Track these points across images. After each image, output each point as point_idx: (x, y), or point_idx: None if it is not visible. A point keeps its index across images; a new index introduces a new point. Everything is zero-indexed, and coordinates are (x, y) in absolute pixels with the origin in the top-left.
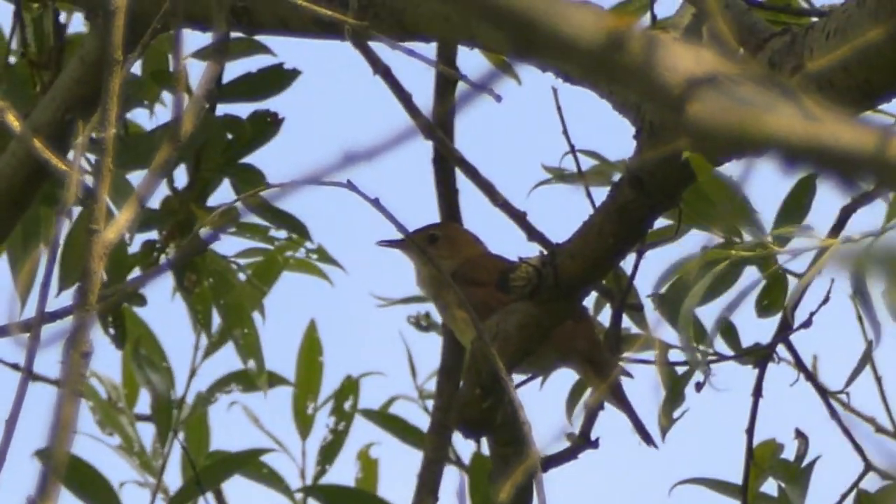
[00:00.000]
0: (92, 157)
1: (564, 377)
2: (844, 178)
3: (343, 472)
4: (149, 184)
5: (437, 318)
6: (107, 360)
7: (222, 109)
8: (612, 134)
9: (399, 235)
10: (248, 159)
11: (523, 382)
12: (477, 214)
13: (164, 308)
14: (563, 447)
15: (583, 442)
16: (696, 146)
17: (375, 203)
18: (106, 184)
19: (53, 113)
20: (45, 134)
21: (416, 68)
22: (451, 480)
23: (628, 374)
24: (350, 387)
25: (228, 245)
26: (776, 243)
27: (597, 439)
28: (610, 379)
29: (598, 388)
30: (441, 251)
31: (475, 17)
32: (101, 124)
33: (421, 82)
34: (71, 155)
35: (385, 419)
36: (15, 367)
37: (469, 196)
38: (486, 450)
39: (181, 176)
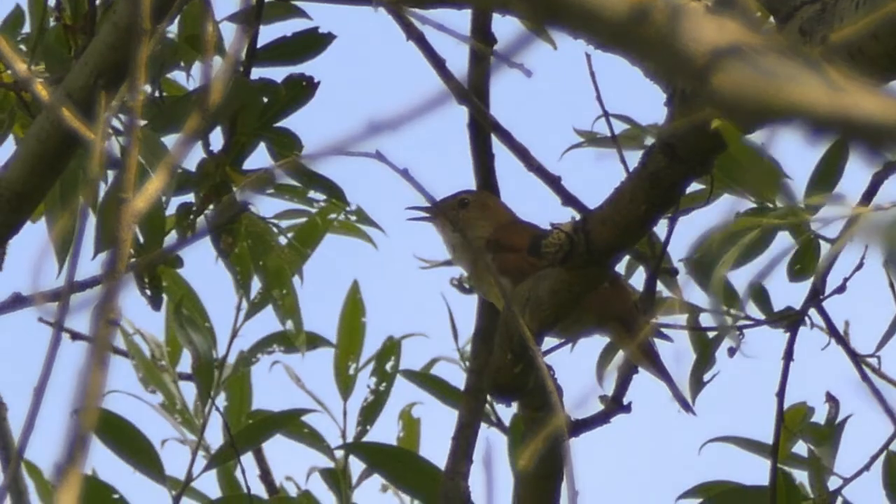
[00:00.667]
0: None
1: (596, 342)
2: (870, 148)
3: (384, 433)
4: (179, 151)
5: None
6: (152, 318)
7: (258, 73)
8: (646, 100)
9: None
10: (283, 123)
11: (556, 347)
12: (512, 179)
13: (207, 270)
14: (594, 411)
15: (615, 406)
16: (722, 116)
17: (404, 173)
18: (135, 152)
19: (86, 78)
20: (79, 98)
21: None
22: (494, 443)
23: (666, 338)
24: (391, 348)
25: (267, 206)
26: (807, 211)
27: (629, 404)
28: (642, 340)
29: (633, 351)
30: (472, 215)
31: None
32: (131, 93)
33: (457, 47)
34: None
35: (426, 380)
36: (54, 325)
37: (504, 161)
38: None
39: (217, 139)
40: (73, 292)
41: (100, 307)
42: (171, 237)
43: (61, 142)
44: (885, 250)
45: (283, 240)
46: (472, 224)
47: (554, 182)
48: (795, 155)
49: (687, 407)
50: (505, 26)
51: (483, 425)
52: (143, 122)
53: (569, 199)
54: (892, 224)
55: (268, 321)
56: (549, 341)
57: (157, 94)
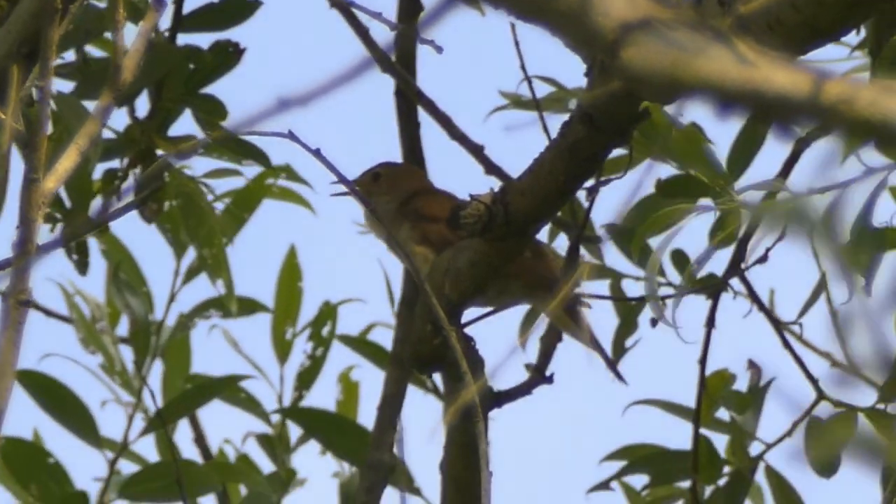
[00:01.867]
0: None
1: (522, 310)
2: (780, 123)
3: (320, 399)
4: (90, 131)
5: None
6: (93, 280)
7: (184, 39)
8: (576, 68)
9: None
10: (209, 89)
11: (478, 318)
12: (438, 148)
13: (146, 232)
14: (517, 382)
15: (538, 377)
16: (632, 90)
17: (316, 153)
18: (44, 134)
19: (9, 47)
20: (3, 68)
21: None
22: (430, 409)
23: (585, 304)
24: (328, 312)
25: (196, 165)
26: (725, 193)
27: (551, 375)
28: (567, 305)
29: (560, 318)
30: (382, 188)
31: None
32: (42, 72)
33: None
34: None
35: (362, 345)
36: None
37: (431, 130)
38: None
39: (143, 105)
40: None
41: (10, 288)
42: (97, 202)
43: None
44: (796, 231)
45: (219, 205)
46: (381, 197)
47: (477, 151)
48: (718, 125)
49: (617, 375)
50: None
51: (420, 392)
52: (69, 88)
53: (492, 168)
54: (800, 206)
55: (207, 287)
56: (471, 312)
57: (82, 60)
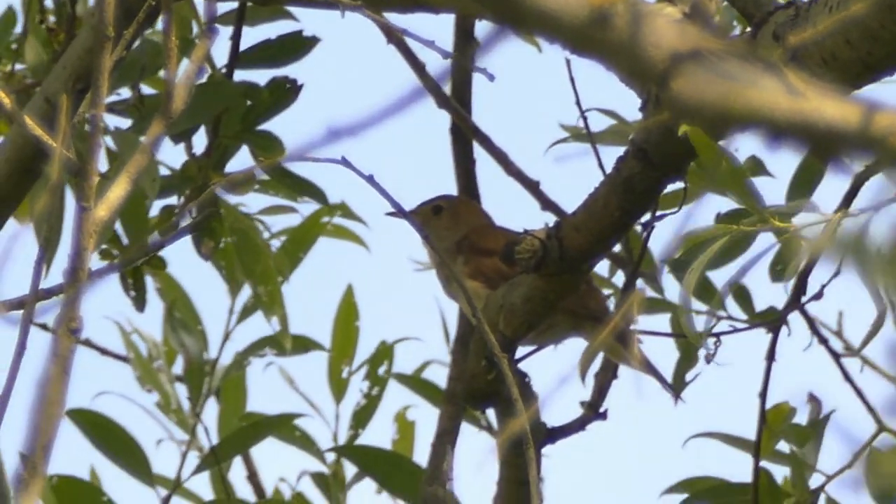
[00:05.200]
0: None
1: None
2: (830, 154)
3: (375, 438)
4: (141, 161)
5: None
6: (151, 318)
7: (241, 76)
8: (631, 104)
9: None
10: (266, 126)
11: (529, 354)
12: (494, 184)
13: (202, 272)
14: (572, 417)
15: (592, 413)
16: (684, 121)
17: (370, 180)
18: (96, 161)
19: (64, 82)
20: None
21: (433, 33)
22: (484, 446)
23: (638, 338)
24: (384, 352)
25: (251, 202)
26: (780, 217)
27: (605, 411)
28: (610, 331)
29: (612, 347)
30: (444, 222)
31: None
32: (94, 102)
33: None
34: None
35: (418, 384)
36: (43, 326)
37: (487, 165)
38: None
39: (200, 142)
40: (38, 300)
41: (61, 317)
42: (154, 237)
43: (35, 147)
44: (854, 262)
45: (275, 243)
46: (442, 232)
47: (533, 187)
48: (779, 157)
49: (675, 394)
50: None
51: (475, 429)
52: (127, 124)
53: (547, 204)
54: (858, 236)
55: (261, 325)
56: (525, 348)
57: (138, 95)
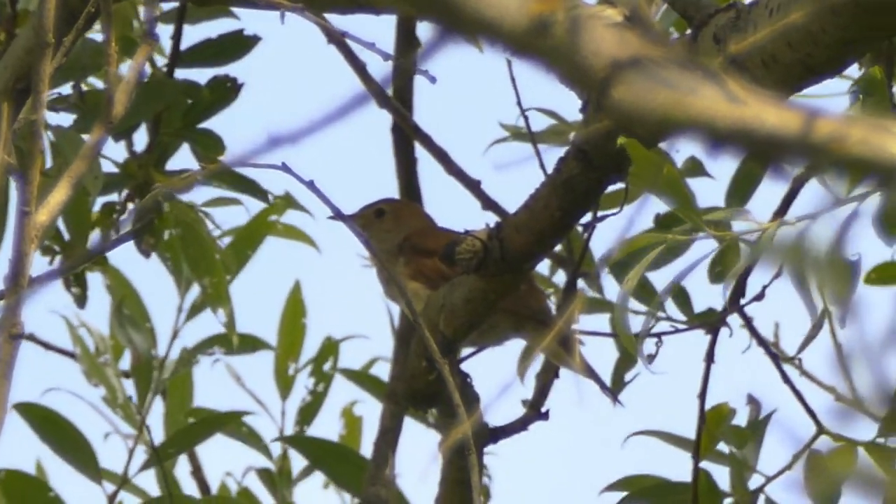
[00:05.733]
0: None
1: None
2: (771, 161)
3: (322, 434)
4: (81, 166)
5: None
6: (98, 312)
7: (182, 74)
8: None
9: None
10: (207, 124)
11: (472, 354)
12: (436, 183)
13: (150, 267)
14: (513, 417)
15: (533, 413)
16: (625, 128)
17: (310, 186)
18: (37, 167)
19: (5, 82)
20: None
21: (374, 34)
22: (431, 444)
23: (580, 339)
24: (330, 348)
25: (196, 195)
26: (716, 227)
27: (547, 411)
28: (560, 335)
29: (553, 349)
30: (386, 225)
31: None
32: (34, 107)
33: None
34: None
35: (365, 380)
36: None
37: (428, 165)
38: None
39: (141, 139)
40: None
41: (2, 322)
42: (96, 234)
43: None
44: (790, 268)
45: (223, 242)
46: (383, 235)
47: (474, 186)
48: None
49: (613, 398)
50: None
51: (422, 426)
52: (69, 122)
53: (489, 204)
54: (795, 243)
55: (210, 323)
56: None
57: (78, 94)
